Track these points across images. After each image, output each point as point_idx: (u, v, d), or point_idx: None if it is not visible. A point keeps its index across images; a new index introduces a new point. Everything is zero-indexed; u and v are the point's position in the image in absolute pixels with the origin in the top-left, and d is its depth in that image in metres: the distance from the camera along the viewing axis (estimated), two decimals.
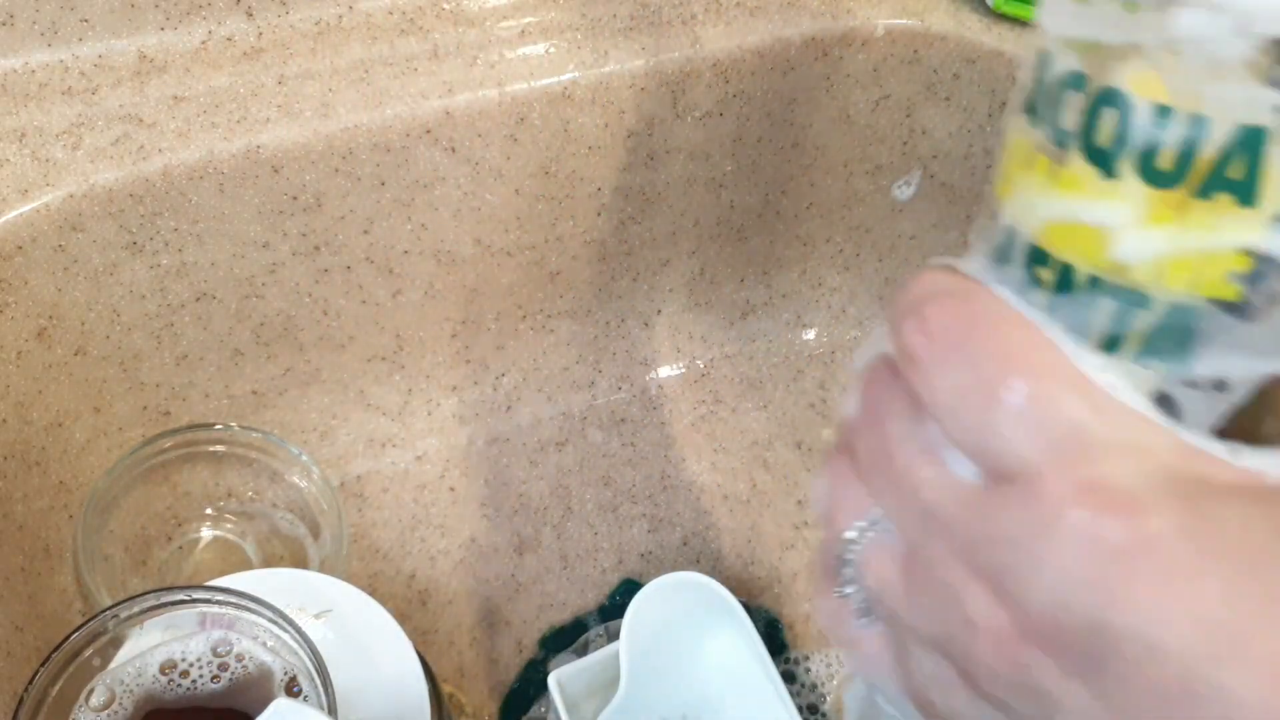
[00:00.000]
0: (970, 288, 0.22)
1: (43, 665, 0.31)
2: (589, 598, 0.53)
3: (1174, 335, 0.21)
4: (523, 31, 0.49)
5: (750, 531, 0.55)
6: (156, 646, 0.33)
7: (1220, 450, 0.20)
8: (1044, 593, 0.20)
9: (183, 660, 0.33)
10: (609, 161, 0.51)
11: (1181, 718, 0.19)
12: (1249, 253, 0.20)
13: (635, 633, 0.45)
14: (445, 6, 0.48)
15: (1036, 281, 0.22)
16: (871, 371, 0.25)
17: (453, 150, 0.48)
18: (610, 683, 0.45)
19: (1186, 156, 0.19)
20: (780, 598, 0.53)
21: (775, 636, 0.51)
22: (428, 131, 0.47)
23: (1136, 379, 0.21)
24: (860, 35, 0.51)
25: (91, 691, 0.32)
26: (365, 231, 0.49)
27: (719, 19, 0.50)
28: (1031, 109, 0.22)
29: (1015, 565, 0.21)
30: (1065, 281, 0.21)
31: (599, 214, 0.54)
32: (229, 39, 0.46)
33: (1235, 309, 0.20)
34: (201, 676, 0.33)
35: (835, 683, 0.51)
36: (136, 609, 0.32)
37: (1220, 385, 0.21)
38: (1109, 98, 0.20)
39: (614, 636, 0.46)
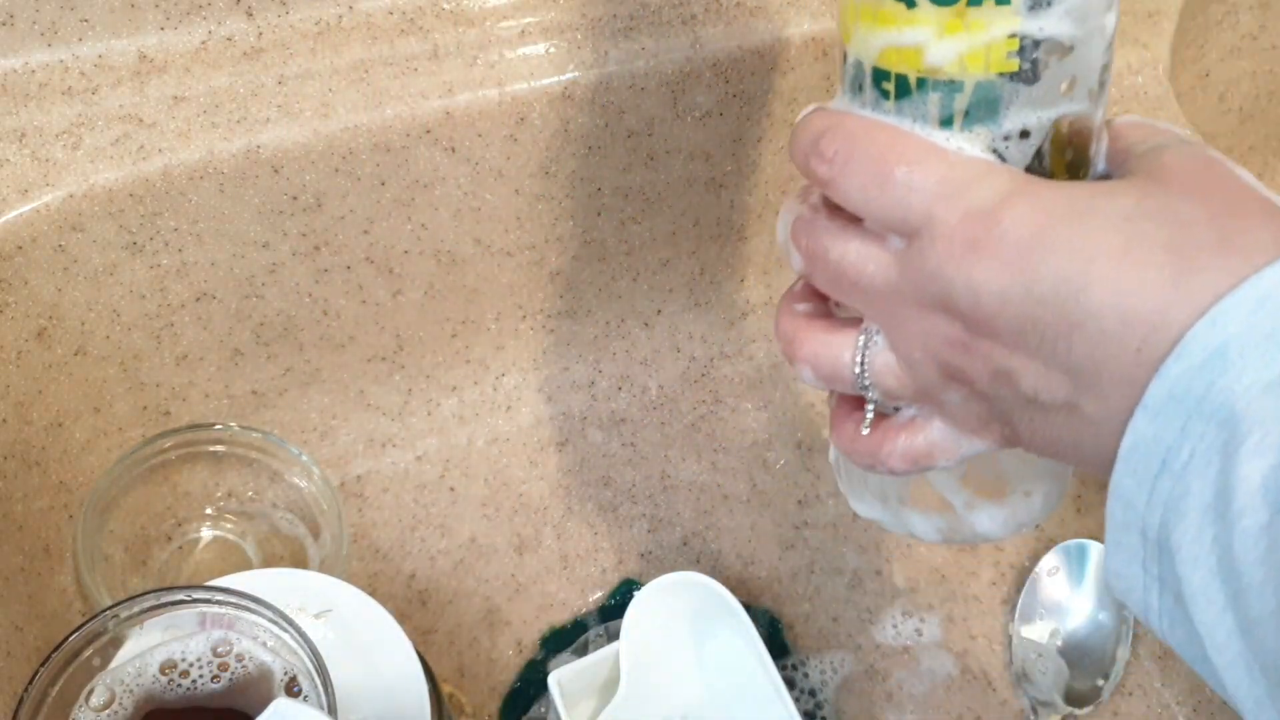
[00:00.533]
0: (841, 118, 0.31)
1: (43, 665, 0.31)
2: (589, 598, 0.53)
3: (985, 106, 0.29)
4: (523, 31, 0.49)
5: (750, 531, 0.55)
6: (156, 646, 0.33)
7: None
8: (968, 297, 0.28)
9: (183, 660, 0.33)
10: (609, 161, 0.51)
11: (1084, 346, 0.26)
12: (1014, 35, 0.28)
13: (635, 633, 0.45)
14: (445, 6, 0.48)
15: (885, 94, 0.30)
16: (795, 227, 0.33)
17: (453, 150, 0.48)
18: (610, 683, 0.45)
19: None
20: (780, 598, 0.53)
21: (775, 636, 0.51)
22: (428, 131, 0.47)
23: (972, 141, 0.30)
24: None
25: (91, 691, 0.32)
26: (365, 231, 0.49)
27: (719, 19, 0.50)
28: None
29: (945, 288, 0.28)
30: (903, 88, 0.30)
31: (599, 214, 0.54)
32: (229, 39, 0.46)
33: (1017, 76, 0.29)
34: (201, 676, 0.33)
35: (833, 688, 0.51)
36: (136, 609, 0.32)
37: (1024, 134, 0.30)
38: None
39: (614, 636, 0.46)
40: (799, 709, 0.44)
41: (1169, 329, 0.25)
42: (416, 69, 0.47)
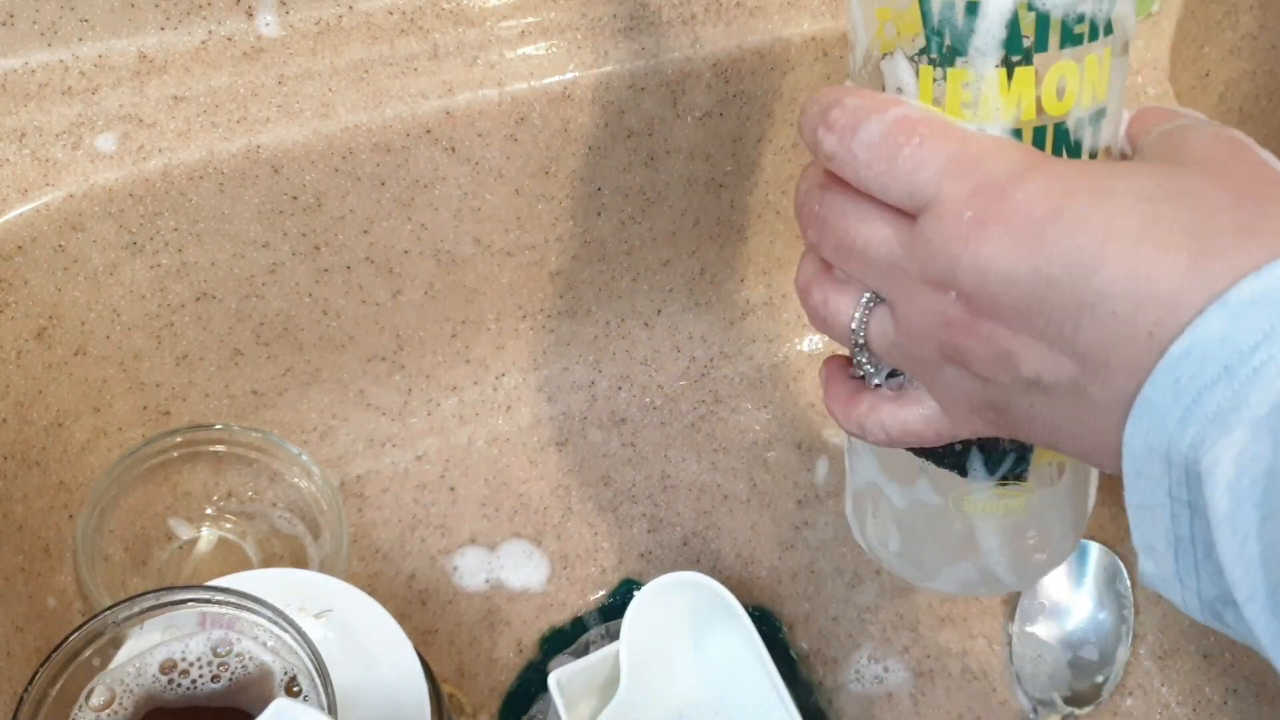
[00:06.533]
0: (850, 91, 0.30)
1: (43, 665, 0.31)
2: (589, 598, 0.53)
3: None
4: (523, 31, 0.49)
5: (750, 531, 0.55)
6: (156, 646, 0.33)
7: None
8: (974, 275, 0.27)
9: (183, 660, 0.33)
10: (609, 161, 0.51)
11: (1093, 329, 0.25)
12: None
13: (635, 633, 0.45)
14: (445, 6, 0.48)
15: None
16: (803, 195, 0.32)
17: (453, 150, 0.48)
18: (610, 683, 0.45)
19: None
20: (780, 598, 0.53)
21: (775, 636, 0.51)
22: (428, 131, 0.47)
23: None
24: None
25: (91, 691, 0.32)
26: (365, 231, 0.50)
27: (719, 19, 0.50)
28: None
29: (949, 265, 0.27)
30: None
31: (599, 214, 0.54)
32: (229, 39, 0.46)
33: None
34: (201, 676, 0.33)
35: (832, 688, 0.51)
36: (136, 609, 0.32)
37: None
38: None
39: (614, 636, 0.46)
40: (799, 709, 0.44)
41: (1183, 313, 0.24)
42: (416, 69, 0.47)
